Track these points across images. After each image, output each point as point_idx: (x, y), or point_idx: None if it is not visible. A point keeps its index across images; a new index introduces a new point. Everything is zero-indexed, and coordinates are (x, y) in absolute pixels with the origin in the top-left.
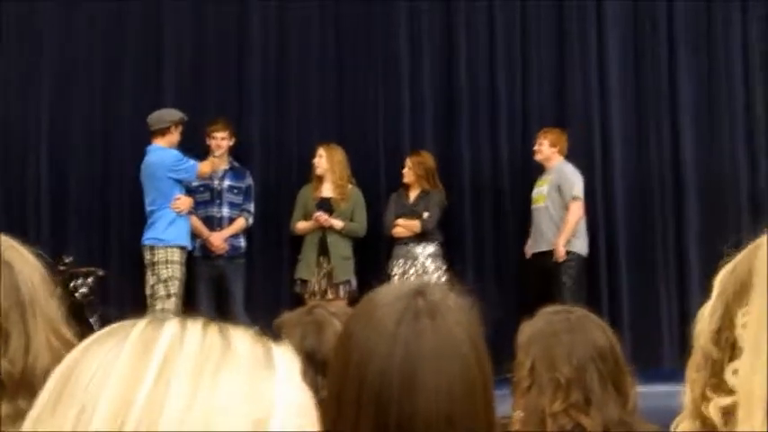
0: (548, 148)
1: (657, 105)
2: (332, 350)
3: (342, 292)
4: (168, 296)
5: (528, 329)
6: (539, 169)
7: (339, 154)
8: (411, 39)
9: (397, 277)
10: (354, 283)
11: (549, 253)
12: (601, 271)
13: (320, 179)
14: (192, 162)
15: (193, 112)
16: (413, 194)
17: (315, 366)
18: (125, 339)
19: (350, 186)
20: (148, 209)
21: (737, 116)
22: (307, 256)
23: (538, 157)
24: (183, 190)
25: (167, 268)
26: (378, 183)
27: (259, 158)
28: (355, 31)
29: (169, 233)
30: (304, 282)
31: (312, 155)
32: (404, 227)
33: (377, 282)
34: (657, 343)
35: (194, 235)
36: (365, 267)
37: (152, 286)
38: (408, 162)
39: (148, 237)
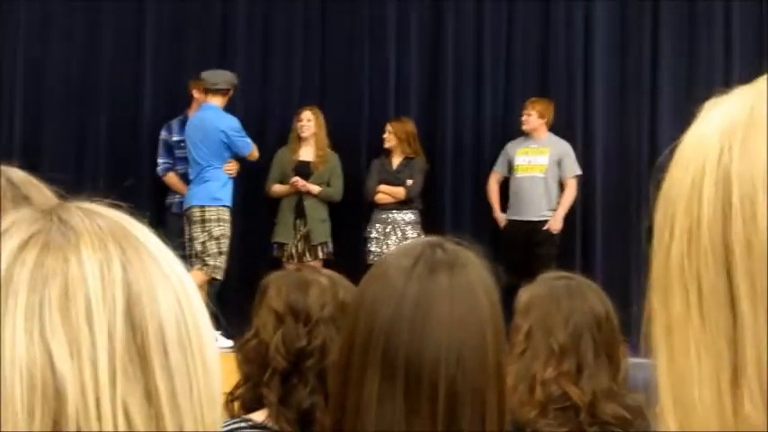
0: (536, 119)
1: (639, 81)
2: (315, 303)
3: (320, 254)
4: (220, 253)
5: (528, 293)
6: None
7: (322, 118)
8: (398, 1)
9: (374, 241)
10: (331, 245)
11: (535, 223)
12: (576, 244)
13: (299, 142)
14: (249, 140)
15: (175, 67)
16: (396, 161)
17: (296, 317)
18: None
19: (328, 151)
20: (198, 166)
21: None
22: (284, 220)
23: (525, 128)
24: (231, 154)
25: (219, 226)
26: (358, 148)
27: (240, 120)
28: None
29: (223, 193)
30: (281, 245)
31: (292, 118)
32: (387, 193)
33: (353, 244)
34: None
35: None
36: (342, 231)
37: (202, 243)
38: (389, 127)
39: (202, 197)
